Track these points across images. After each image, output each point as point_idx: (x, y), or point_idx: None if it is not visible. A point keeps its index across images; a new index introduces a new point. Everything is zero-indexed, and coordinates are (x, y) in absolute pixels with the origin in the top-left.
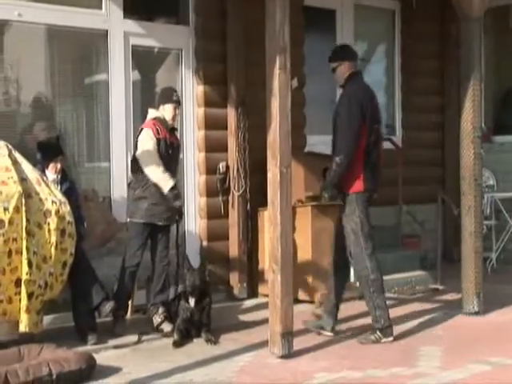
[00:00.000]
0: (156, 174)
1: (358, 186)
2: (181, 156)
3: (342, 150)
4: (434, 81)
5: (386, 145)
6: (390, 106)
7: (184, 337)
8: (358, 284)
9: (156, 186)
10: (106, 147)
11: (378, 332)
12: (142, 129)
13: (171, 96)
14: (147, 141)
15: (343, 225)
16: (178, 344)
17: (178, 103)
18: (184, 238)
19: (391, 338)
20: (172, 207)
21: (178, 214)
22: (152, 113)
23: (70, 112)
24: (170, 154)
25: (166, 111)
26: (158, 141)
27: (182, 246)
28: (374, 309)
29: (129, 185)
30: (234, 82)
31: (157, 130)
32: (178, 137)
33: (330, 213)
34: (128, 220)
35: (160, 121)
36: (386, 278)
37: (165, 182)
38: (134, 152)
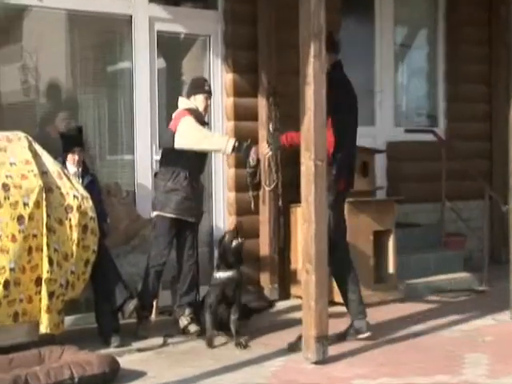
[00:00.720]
0: (210, 142)
1: None
2: None
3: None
4: (480, 68)
5: (429, 137)
6: (432, 95)
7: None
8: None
9: (187, 179)
10: (129, 139)
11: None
12: (175, 119)
13: (203, 86)
14: (188, 124)
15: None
16: (212, 346)
17: (209, 93)
18: (212, 236)
19: (367, 334)
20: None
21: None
22: (183, 102)
23: (91, 102)
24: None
25: (198, 102)
26: None
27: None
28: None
29: (156, 175)
30: (265, 69)
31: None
32: None
33: (367, 210)
34: (155, 214)
35: (193, 112)
36: (427, 279)
37: (224, 144)
38: (163, 147)
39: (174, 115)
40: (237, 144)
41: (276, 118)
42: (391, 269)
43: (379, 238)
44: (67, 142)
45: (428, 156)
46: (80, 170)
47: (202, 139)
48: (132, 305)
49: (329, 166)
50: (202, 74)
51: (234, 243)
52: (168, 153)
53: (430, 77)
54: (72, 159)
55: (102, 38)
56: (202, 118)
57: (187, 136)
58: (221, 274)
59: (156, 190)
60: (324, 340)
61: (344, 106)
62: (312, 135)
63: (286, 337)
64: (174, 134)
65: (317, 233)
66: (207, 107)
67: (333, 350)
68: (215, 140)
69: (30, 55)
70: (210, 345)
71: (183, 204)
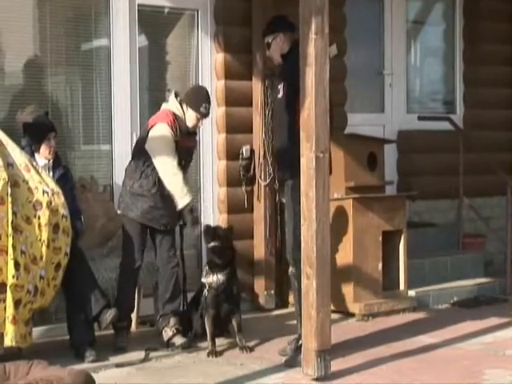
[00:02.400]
0: (174, 183)
1: None
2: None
3: None
4: (504, 48)
5: (445, 125)
6: (449, 78)
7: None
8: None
9: (156, 186)
10: (106, 127)
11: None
12: (151, 123)
13: (199, 106)
14: (164, 138)
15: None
16: (216, 353)
17: (205, 116)
18: (200, 237)
19: None
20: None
21: (183, 220)
22: (174, 103)
23: (63, 84)
24: (183, 161)
25: (188, 116)
26: (176, 143)
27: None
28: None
29: (126, 169)
30: (261, 48)
31: (176, 129)
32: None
33: (375, 207)
34: (120, 213)
35: (177, 120)
36: (443, 285)
37: (181, 197)
38: (139, 143)
39: (161, 109)
40: (189, 206)
41: (273, 104)
42: (402, 274)
43: (389, 240)
44: (38, 130)
45: (444, 147)
46: (51, 161)
47: (167, 170)
48: (110, 315)
49: None
50: (189, 54)
51: (212, 244)
52: (141, 145)
53: (446, 57)
54: (48, 147)
55: (76, 12)
56: (184, 130)
57: (157, 153)
58: (207, 279)
59: (122, 187)
60: (326, 354)
61: None
62: (313, 123)
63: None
64: (148, 131)
65: (318, 233)
66: (196, 126)
67: (336, 364)
68: (177, 183)
69: None
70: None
71: (150, 214)
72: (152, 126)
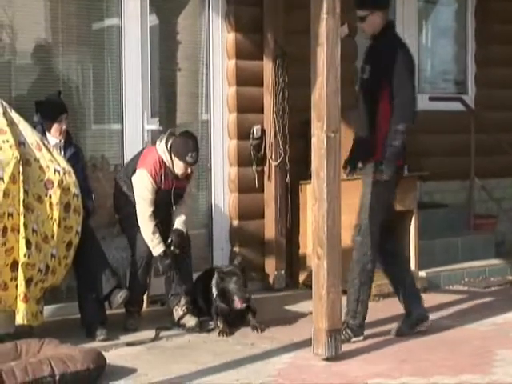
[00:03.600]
0: (144, 233)
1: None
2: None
3: (405, 115)
4: None
5: (456, 106)
6: (460, 57)
7: (229, 325)
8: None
9: None
10: (117, 106)
11: (348, 330)
12: (140, 163)
13: (185, 156)
14: (141, 188)
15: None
16: (226, 333)
17: (192, 164)
18: (211, 216)
19: (361, 338)
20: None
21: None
22: (162, 149)
23: (74, 64)
24: (170, 202)
25: (176, 165)
26: (158, 189)
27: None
28: (356, 303)
29: (119, 173)
30: (272, 28)
31: (160, 177)
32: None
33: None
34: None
35: (166, 166)
36: (454, 266)
37: (153, 247)
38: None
39: (152, 149)
40: (162, 255)
41: (284, 83)
42: (413, 254)
43: (399, 220)
44: (50, 110)
45: (455, 127)
46: (62, 141)
47: (139, 219)
48: (121, 296)
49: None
50: (200, 33)
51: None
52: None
53: (458, 37)
54: (58, 129)
55: None
56: (171, 175)
57: (136, 197)
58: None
59: (115, 187)
60: (337, 334)
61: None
62: (324, 103)
63: (295, 330)
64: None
65: (329, 213)
66: (185, 174)
67: (346, 345)
68: (146, 234)
69: (5, 10)
70: (224, 332)
71: None
72: (139, 167)
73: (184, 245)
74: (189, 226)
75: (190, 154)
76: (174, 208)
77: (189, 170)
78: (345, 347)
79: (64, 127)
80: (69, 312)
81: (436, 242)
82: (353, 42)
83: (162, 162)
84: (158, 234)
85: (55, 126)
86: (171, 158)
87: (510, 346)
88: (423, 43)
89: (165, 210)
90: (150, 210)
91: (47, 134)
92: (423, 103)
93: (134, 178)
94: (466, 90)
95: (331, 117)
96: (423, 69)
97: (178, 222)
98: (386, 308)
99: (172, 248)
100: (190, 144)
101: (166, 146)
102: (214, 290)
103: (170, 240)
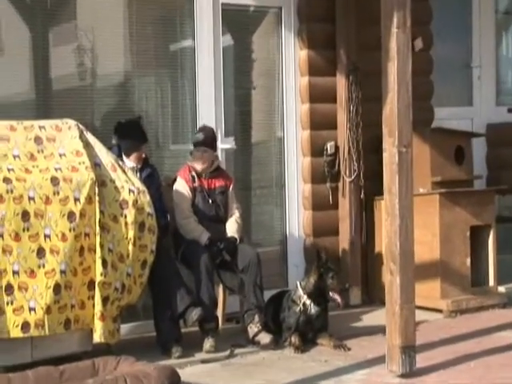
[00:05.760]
0: (188, 228)
1: None
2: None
3: None
4: None
5: None
6: None
7: (304, 341)
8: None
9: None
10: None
11: None
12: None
13: (195, 140)
14: (178, 191)
15: None
16: (301, 349)
17: (202, 144)
18: (285, 234)
19: None
20: None
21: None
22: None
23: (151, 85)
24: (210, 201)
25: (195, 159)
26: (194, 189)
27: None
28: None
29: None
30: (345, 44)
31: (192, 177)
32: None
33: (463, 202)
34: None
35: (194, 169)
36: None
37: (199, 236)
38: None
39: None
40: (207, 243)
41: (357, 99)
42: (491, 269)
43: (477, 235)
44: (130, 137)
45: None
46: (139, 165)
47: (177, 218)
48: (195, 314)
49: None
50: (273, 51)
51: (314, 310)
52: None
53: None
54: (138, 157)
55: (161, 13)
56: (201, 175)
57: (176, 202)
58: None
59: None
60: (411, 350)
61: None
62: (395, 118)
63: (369, 347)
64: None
65: (401, 228)
66: (205, 162)
67: (422, 361)
68: (186, 228)
69: (86, 34)
70: (299, 348)
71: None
72: (175, 179)
73: (234, 252)
74: (265, 242)
75: (197, 135)
76: (221, 210)
77: (205, 156)
78: (420, 363)
79: (144, 156)
80: (145, 330)
81: None
82: (427, 56)
83: (190, 166)
84: (200, 225)
85: (135, 155)
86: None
87: None
88: (502, 55)
89: (208, 210)
90: (189, 208)
91: (125, 158)
92: (502, 115)
93: (174, 186)
94: None
95: (403, 132)
96: (503, 81)
97: (230, 230)
98: (463, 324)
99: (223, 253)
100: (200, 127)
101: (191, 155)
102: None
103: (222, 246)
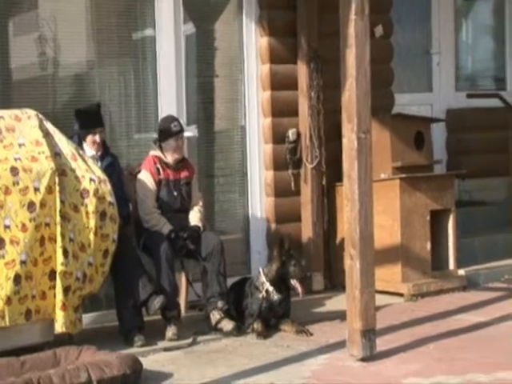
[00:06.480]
0: (151, 220)
1: None
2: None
3: None
4: None
5: (494, 102)
6: (498, 54)
7: (267, 327)
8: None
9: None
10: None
11: None
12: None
13: (169, 129)
14: (143, 185)
15: None
16: (263, 335)
17: (178, 133)
18: (248, 221)
19: None
20: None
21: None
22: (152, 151)
23: (112, 74)
24: (175, 193)
25: (167, 147)
26: (159, 182)
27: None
28: None
29: None
30: (306, 31)
31: (157, 169)
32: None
33: (423, 187)
34: None
35: (161, 160)
36: (493, 264)
37: (161, 227)
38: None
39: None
40: (173, 236)
41: (318, 87)
42: (451, 253)
43: (437, 219)
44: (87, 122)
45: (494, 124)
46: (99, 153)
47: (148, 210)
48: (158, 302)
49: None
50: (234, 39)
51: (276, 297)
52: None
53: (496, 34)
54: (92, 141)
55: (123, 2)
56: (170, 166)
57: (140, 195)
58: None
59: None
60: (371, 334)
61: None
62: (354, 104)
63: (331, 332)
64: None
65: (361, 213)
66: (176, 156)
67: (382, 344)
68: (158, 219)
69: (47, 24)
70: (261, 334)
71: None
72: (139, 171)
73: (198, 241)
74: (228, 230)
75: (173, 124)
76: (186, 201)
77: (180, 143)
78: (380, 347)
79: (98, 140)
80: (107, 319)
81: (475, 240)
82: (387, 43)
83: (155, 157)
84: (162, 218)
85: (89, 138)
86: (161, 149)
87: None
88: (461, 41)
89: (173, 202)
90: (153, 202)
91: (84, 144)
92: (462, 101)
93: (136, 182)
94: (505, 86)
95: (362, 118)
96: (462, 66)
97: (193, 219)
98: (423, 307)
99: (187, 243)
100: (169, 117)
101: (155, 145)
102: (254, 305)
103: (185, 235)
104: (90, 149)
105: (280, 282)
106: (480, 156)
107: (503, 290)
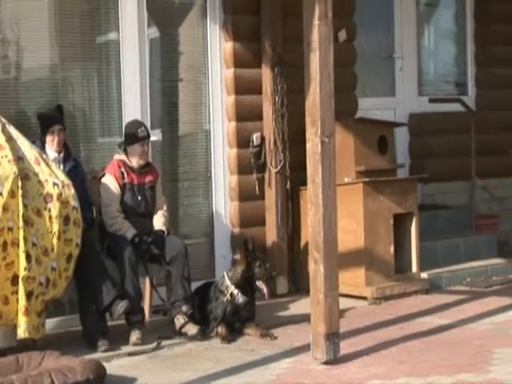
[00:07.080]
0: (115, 224)
1: None
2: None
3: None
4: None
5: (456, 107)
6: (460, 59)
7: (231, 331)
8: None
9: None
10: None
11: None
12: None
13: (136, 134)
14: (107, 189)
15: None
16: (228, 339)
17: (144, 138)
18: (212, 225)
19: None
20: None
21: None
22: (116, 155)
23: (78, 78)
24: (140, 198)
25: (133, 152)
26: (123, 186)
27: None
28: None
29: None
30: (270, 36)
31: (121, 173)
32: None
33: (386, 191)
34: None
35: (126, 165)
36: (456, 267)
37: (125, 232)
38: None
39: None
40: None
41: (283, 91)
42: (414, 256)
43: (400, 222)
44: (45, 122)
45: (455, 128)
46: (62, 155)
47: (111, 214)
48: (122, 307)
49: None
50: (198, 43)
51: (241, 300)
52: None
53: (457, 39)
54: (51, 140)
55: (87, 6)
56: (135, 170)
57: (104, 199)
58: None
59: None
60: (335, 337)
61: None
62: (318, 108)
63: (296, 335)
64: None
65: (325, 217)
66: (141, 159)
67: (346, 348)
68: (121, 223)
69: (10, 27)
70: (226, 338)
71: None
72: (103, 175)
73: (162, 245)
74: (192, 234)
75: (139, 129)
76: (150, 205)
77: (145, 148)
78: (344, 350)
79: (57, 139)
80: (71, 324)
81: (438, 243)
82: (351, 47)
83: (120, 161)
84: (126, 222)
85: (48, 138)
86: (126, 153)
87: (509, 345)
88: (423, 46)
89: (137, 205)
90: (117, 207)
91: (47, 148)
92: (424, 105)
93: (100, 186)
94: (467, 90)
95: (325, 122)
96: (424, 71)
97: (157, 224)
98: (387, 310)
99: (151, 247)
100: (136, 122)
101: (120, 149)
102: (219, 308)
103: (149, 240)
104: (52, 151)
105: (245, 284)
106: (442, 160)
107: (465, 293)
